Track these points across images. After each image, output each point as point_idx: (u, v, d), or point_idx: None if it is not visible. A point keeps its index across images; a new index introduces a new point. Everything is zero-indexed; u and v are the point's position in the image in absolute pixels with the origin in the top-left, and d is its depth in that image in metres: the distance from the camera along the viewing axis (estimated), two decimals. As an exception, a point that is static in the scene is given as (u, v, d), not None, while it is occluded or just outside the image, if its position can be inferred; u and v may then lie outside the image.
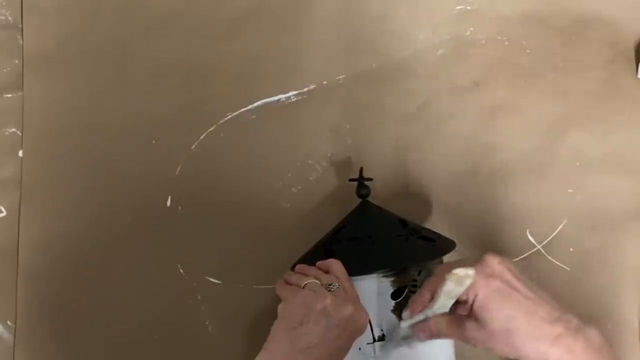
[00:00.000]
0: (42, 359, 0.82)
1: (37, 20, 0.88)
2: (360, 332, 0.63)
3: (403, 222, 0.74)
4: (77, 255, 0.84)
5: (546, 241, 0.83)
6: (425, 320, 0.65)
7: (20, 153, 0.86)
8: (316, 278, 0.64)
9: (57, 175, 0.85)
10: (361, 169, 0.79)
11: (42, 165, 0.86)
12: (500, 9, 0.87)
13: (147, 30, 0.88)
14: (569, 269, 0.82)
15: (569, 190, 0.84)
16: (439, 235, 0.75)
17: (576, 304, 0.81)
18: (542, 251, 0.83)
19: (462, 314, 0.63)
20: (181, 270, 0.84)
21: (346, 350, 0.63)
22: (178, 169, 0.86)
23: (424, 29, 0.87)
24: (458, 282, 0.59)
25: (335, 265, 0.66)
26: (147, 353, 0.82)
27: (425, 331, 0.65)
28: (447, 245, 0.74)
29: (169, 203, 0.85)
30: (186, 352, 0.82)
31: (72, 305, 0.83)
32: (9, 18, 0.88)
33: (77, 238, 0.84)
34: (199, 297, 0.83)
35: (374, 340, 0.69)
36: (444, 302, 0.62)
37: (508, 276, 0.61)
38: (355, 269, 0.68)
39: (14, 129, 0.86)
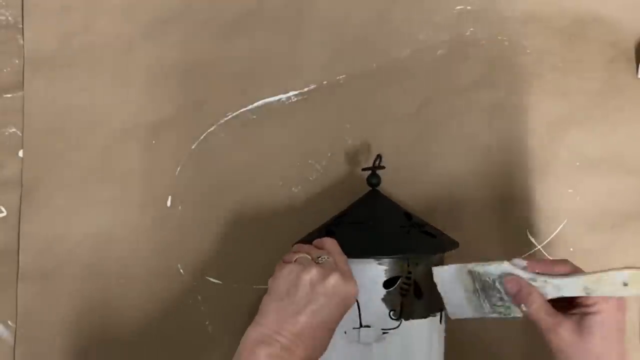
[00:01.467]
0: (42, 359, 0.82)
1: (37, 20, 0.88)
2: (348, 301, 0.64)
3: (408, 216, 0.75)
4: (77, 255, 0.84)
5: (546, 241, 0.83)
6: (528, 283, 0.62)
7: (20, 153, 0.86)
8: (308, 253, 0.66)
9: (57, 175, 0.85)
10: (378, 156, 0.78)
11: (42, 165, 0.86)
12: (500, 9, 0.87)
13: (147, 30, 0.88)
14: (569, 269, 0.82)
15: (569, 190, 0.84)
16: (442, 234, 0.76)
17: (576, 304, 0.81)
18: (542, 251, 0.83)
19: (569, 312, 0.62)
20: (181, 270, 0.84)
21: (336, 320, 0.64)
22: (178, 169, 0.86)
23: (424, 29, 0.87)
24: (633, 281, 0.58)
25: (329, 241, 0.68)
26: (147, 353, 0.82)
27: (518, 290, 0.62)
28: (449, 243, 0.75)
29: (169, 203, 0.85)
30: (186, 352, 0.82)
31: (72, 305, 0.83)
32: (9, 18, 0.88)
33: (76, 238, 0.84)
34: (199, 297, 0.83)
35: (360, 326, 0.69)
36: (570, 286, 0.60)
37: (625, 320, 0.62)
38: (352, 250, 0.69)
39: (14, 129, 0.86)
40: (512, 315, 0.65)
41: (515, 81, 0.86)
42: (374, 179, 0.78)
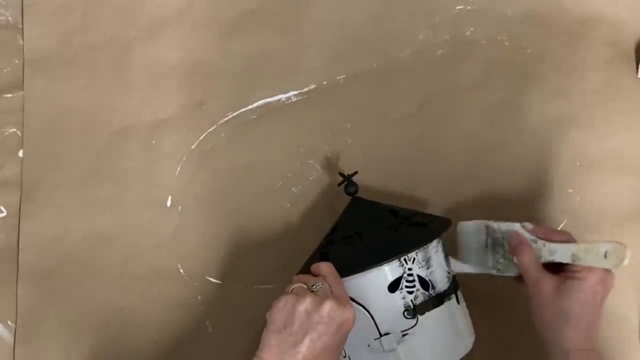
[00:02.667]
0: (42, 359, 0.82)
1: (37, 20, 0.88)
2: (345, 326, 0.65)
3: (394, 212, 0.74)
4: (77, 255, 0.84)
5: (546, 241, 0.83)
6: (527, 241, 0.69)
7: (20, 153, 0.86)
8: (305, 283, 0.67)
9: (57, 175, 0.85)
10: (339, 172, 0.80)
11: (42, 165, 0.86)
12: (500, 9, 0.87)
13: (147, 30, 0.88)
14: (569, 269, 0.82)
15: (569, 190, 0.84)
16: (433, 218, 0.75)
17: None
18: (542, 251, 0.83)
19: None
20: (181, 270, 0.84)
21: (336, 345, 0.64)
22: (178, 169, 0.86)
23: (424, 29, 0.87)
24: (613, 254, 0.64)
25: (324, 267, 0.68)
26: (148, 353, 0.82)
27: (517, 244, 0.70)
28: (440, 226, 0.74)
29: (169, 203, 0.85)
30: (186, 352, 0.82)
31: (72, 305, 0.83)
32: (9, 18, 0.88)
33: (77, 238, 0.84)
34: (199, 297, 0.83)
35: (380, 335, 0.69)
36: (562, 252, 0.67)
37: (604, 296, 0.66)
38: (347, 268, 0.69)
39: (14, 129, 0.86)
40: (506, 273, 0.72)
41: (515, 81, 0.86)
42: (351, 188, 0.78)
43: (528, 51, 0.87)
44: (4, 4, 0.88)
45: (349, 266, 0.69)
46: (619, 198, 0.84)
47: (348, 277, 0.69)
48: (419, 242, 0.71)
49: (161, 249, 0.84)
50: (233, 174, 0.85)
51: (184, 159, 0.86)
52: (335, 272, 0.68)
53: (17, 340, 0.82)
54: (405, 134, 0.85)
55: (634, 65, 0.86)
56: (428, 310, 0.70)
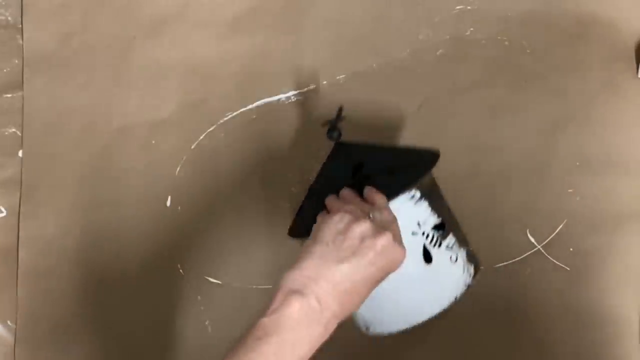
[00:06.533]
0: (42, 359, 0.82)
1: (36, 20, 0.88)
2: (393, 265, 0.59)
3: (359, 166, 0.69)
4: (77, 255, 0.84)
5: (546, 241, 0.83)
6: None
7: (20, 153, 0.86)
8: (359, 207, 0.61)
9: (57, 175, 0.85)
10: (340, 108, 0.74)
11: (42, 165, 0.86)
12: (500, 9, 0.87)
13: (147, 30, 0.88)
14: (569, 269, 0.82)
15: (569, 190, 0.84)
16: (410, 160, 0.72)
17: (576, 304, 0.81)
18: (542, 251, 0.83)
19: None
20: (181, 270, 0.84)
21: (375, 282, 0.59)
22: (178, 169, 0.86)
23: (423, 29, 0.87)
24: None
25: (380, 198, 0.63)
26: (147, 353, 0.82)
27: None
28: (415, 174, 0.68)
29: (169, 203, 0.85)
30: (186, 352, 0.82)
31: (72, 305, 0.83)
32: (9, 18, 0.88)
33: (77, 238, 0.84)
34: (199, 297, 0.83)
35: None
36: None
37: None
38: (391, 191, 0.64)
39: (14, 129, 0.87)
40: None
41: (515, 81, 0.86)
42: (334, 134, 0.72)
43: (528, 51, 0.86)
44: (3, 3, 0.88)
45: (396, 188, 0.64)
46: (619, 198, 0.84)
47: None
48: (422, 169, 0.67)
49: (161, 249, 0.84)
50: (233, 174, 0.85)
51: (184, 159, 0.86)
52: (389, 208, 0.62)
53: (17, 340, 0.82)
54: (405, 134, 0.85)
55: (634, 65, 0.86)
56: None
